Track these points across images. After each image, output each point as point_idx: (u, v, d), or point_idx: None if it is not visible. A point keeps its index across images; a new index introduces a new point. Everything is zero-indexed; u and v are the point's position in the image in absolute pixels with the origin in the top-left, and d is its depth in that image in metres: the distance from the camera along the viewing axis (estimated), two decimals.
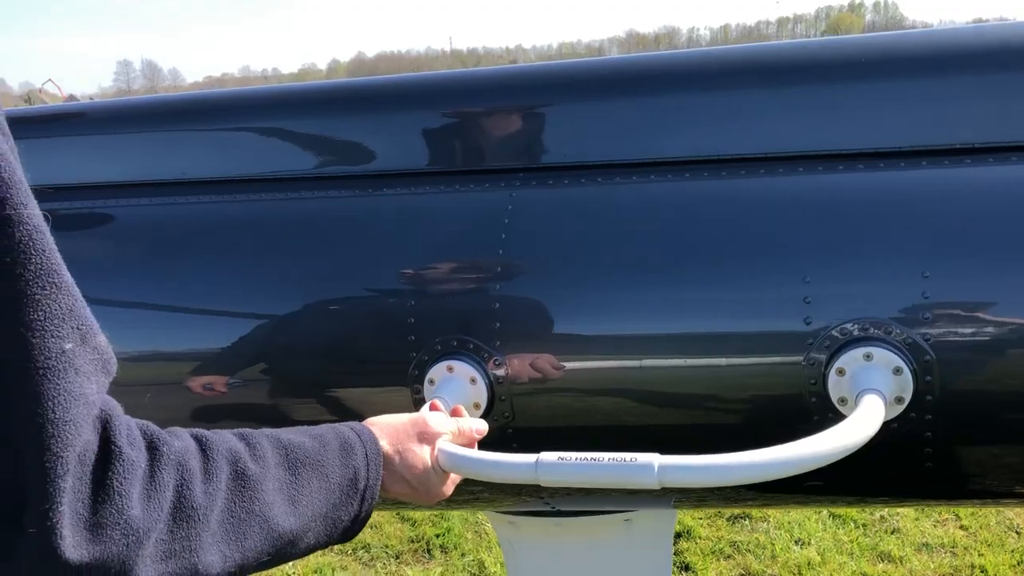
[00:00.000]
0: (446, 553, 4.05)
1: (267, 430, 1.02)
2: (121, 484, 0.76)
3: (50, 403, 0.71)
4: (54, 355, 0.72)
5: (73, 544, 0.72)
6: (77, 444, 0.73)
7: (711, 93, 1.57)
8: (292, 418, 1.63)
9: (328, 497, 1.00)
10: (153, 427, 0.86)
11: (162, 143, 1.87)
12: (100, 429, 0.77)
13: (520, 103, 1.72)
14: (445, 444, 1.23)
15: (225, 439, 0.94)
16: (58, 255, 0.76)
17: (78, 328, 0.76)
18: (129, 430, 0.81)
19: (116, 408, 0.81)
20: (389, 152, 1.75)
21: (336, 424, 1.12)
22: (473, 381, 1.46)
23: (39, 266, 0.73)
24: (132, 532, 0.76)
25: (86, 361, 0.76)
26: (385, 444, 1.14)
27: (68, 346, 0.74)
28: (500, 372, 1.47)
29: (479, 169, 1.69)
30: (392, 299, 1.58)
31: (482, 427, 1.35)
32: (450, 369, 1.47)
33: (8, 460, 0.71)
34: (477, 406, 1.47)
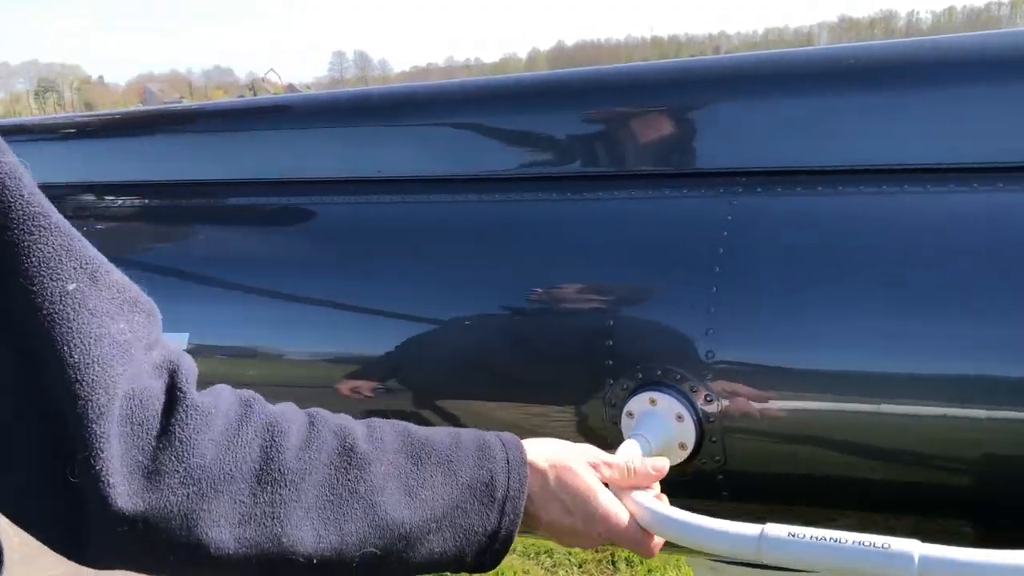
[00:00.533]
0: (631, 567, 3.87)
1: (397, 421, 0.93)
2: (185, 431, 0.73)
3: (65, 348, 0.68)
4: (57, 297, 0.69)
5: (128, 492, 0.69)
6: (111, 386, 0.69)
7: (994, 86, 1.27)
8: None
9: (455, 497, 0.85)
10: (254, 393, 0.83)
11: (359, 139, 1.80)
12: (163, 375, 0.75)
13: (743, 96, 1.49)
14: (646, 499, 1.05)
15: (341, 417, 0.88)
16: (42, 197, 0.72)
17: (82, 267, 0.72)
18: (217, 385, 0.79)
19: (184, 357, 0.80)
20: (591, 152, 1.58)
21: (480, 430, 0.97)
22: (680, 418, 1.27)
23: (20, 211, 0.69)
24: (196, 482, 0.72)
25: (101, 300, 0.73)
26: (536, 455, 0.96)
27: (71, 287, 0.70)
28: (712, 408, 1.27)
29: (694, 172, 1.48)
30: (588, 316, 1.41)
31: (662, 466, 1.09)
32: (653, 402, 1.29)
33: (51, 412, 0.69)
34: (683, 447, 1.28)
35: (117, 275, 0.77)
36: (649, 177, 1.49)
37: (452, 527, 0.84)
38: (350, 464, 0.81)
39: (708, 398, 1.27)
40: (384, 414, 1.58)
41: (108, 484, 0.68)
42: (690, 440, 1.27)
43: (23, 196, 0.70)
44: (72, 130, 2.38)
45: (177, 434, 0.73)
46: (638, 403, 1.30)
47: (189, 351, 1.73)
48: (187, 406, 0.75)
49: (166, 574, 0.76)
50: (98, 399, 0.68)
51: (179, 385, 0.76)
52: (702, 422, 1.27)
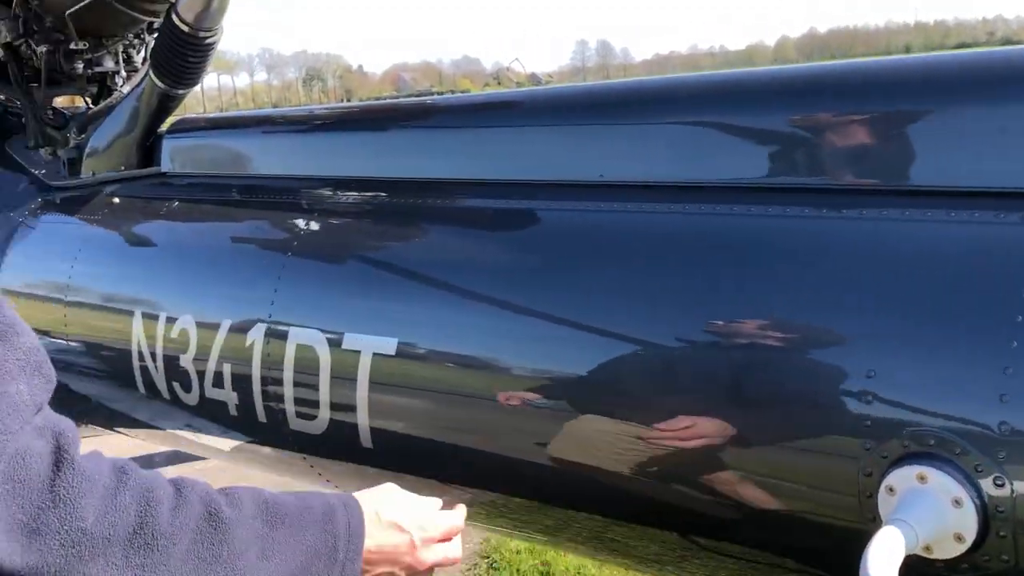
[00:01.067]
0: None
1: (252, 487, 0.97)
2: (70, 493, 0.73)
3: None
4: None
5: (8, 551, 0.68)
6: (1, 444, 0.69)
7: None
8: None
9: (303, 559, 0.93)
10: (128, 460, 0.84)
11: (579, 139, 1.64)
12: (49, 437, 0.75)
13: None
14: None
15: (204, 485, 0.91)
16: None
17: None
18: (93, 451, 0.80)
19: (66, 421, 0.80)
20: (856, 161, 1.32)
21: (326, 492, 1.05)
22: (957, 503, 1.01)
23: None
24: (75, 544, 0.72)
25: (7, 360, 0.73)
26: (374, 520, 1.03)
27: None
28: (1002, 494, 1.01)
29: (1003, 191, 1.18)
30: (842, 360, 1.17)
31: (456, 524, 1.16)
32: (922, 479, 1.04)
33: None
34: (959, 538, 1.02)
35: (28, 339, 0.78)
36: (935, 195, 1.21)
37: None
38: (215, 529, 0.85)
39: (998, 481, 1.00)
40: (586, 434, 1.44)
41: None
42: (970, 532, 1.01)
43: None
44: (312, 123, 2.40)
45: (61, 495, 0.73)
46: (902, 478, 1.05)
47: (396, 354, 1.70)
48: (73, 470, 0.75)
49: None
50: None
51: (64, 447, 0.76)
52: (987, 510, 1.01)
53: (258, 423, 1.97)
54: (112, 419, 2.80)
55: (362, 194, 1.97)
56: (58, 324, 2.74)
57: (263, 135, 2.51)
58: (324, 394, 1.78)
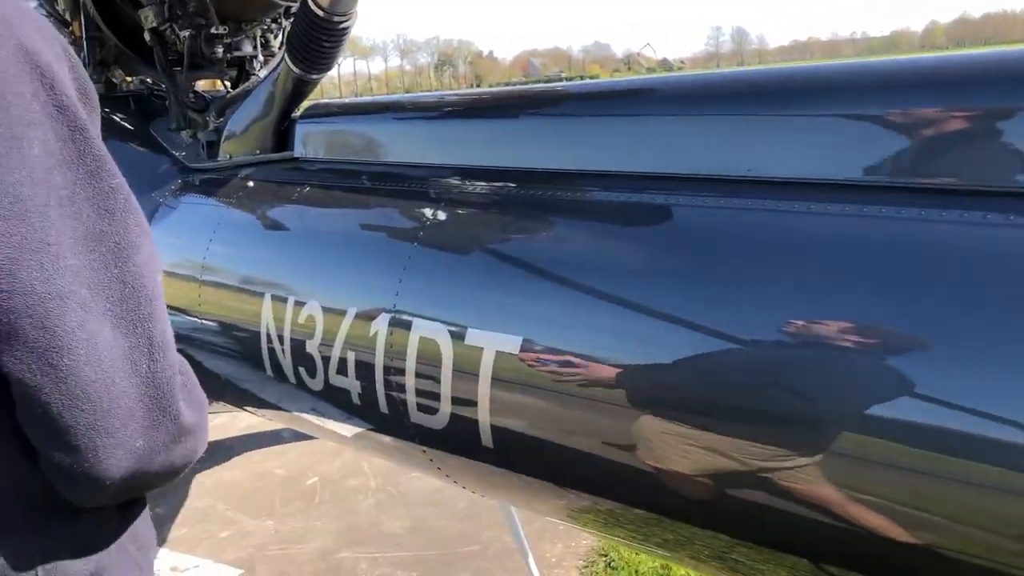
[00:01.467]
0: None
1: None
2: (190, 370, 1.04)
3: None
4: (155, 283, 0.94)
5: (184, 403, 0.95)
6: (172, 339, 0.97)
7: None
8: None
9: None
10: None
11: (725, 131, 1.52)
12: None
13: None
14: None
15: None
16: (142, 215, 0.95)
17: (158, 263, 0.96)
18: None
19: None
20: None
21: None
22: None
23: (137, 223, 0.93)
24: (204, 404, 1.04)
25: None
26: None
27: (158, 276, 0.95)
28: None
29: None
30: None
31: None
32: None
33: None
34: None
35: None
36: None
37: None
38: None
39: None
40: (719, 449, 1.33)
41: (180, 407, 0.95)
42: None
43: (138, 212, 0.97)
44: (443, 110, 2.36)
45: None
46: None
47: (519, 353, 1.62)
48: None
49: None
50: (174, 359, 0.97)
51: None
52: None
53: (379, 413, 1.95)
54: (241, 398, 2.85)
55: (492, 184, 1.91)
56: (193, 302, 2.81)
57: (394, 122, 2.49)
58: (445, 389, 1.74)
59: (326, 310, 2.09)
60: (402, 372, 1.82)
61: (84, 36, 3.86)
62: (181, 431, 0.93)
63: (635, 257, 1.56)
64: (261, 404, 2.70)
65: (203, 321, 2.78)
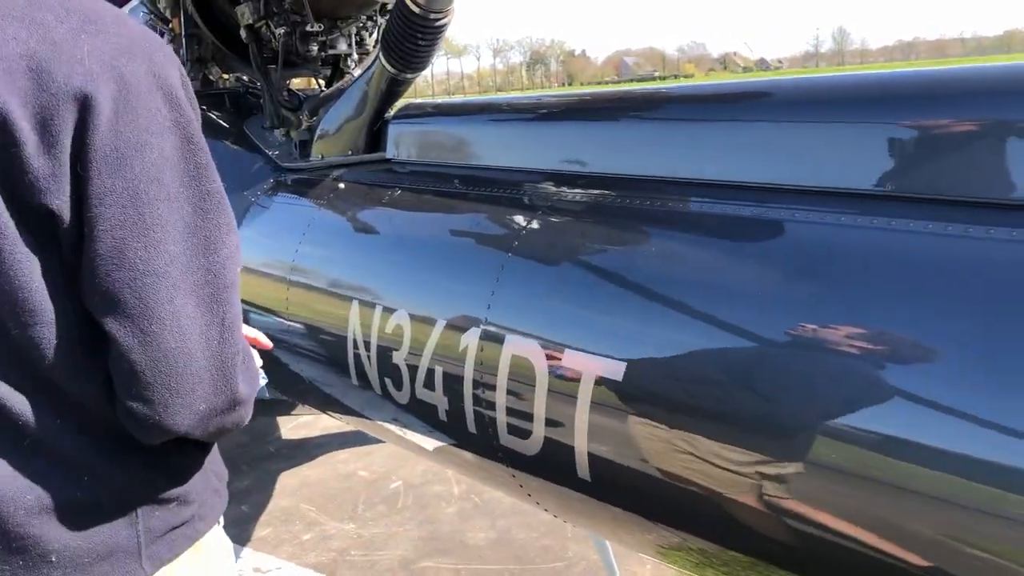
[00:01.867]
0: None
1: None
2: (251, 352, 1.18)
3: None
4: (234, 275, 1.09)
5: (242, 380, 1.09)
6: (241, 325, 1.12)
7: None
8: None
9: None
10: None
11: (859, 141, 1.36)
12: None
13: None
14: None
15: None
16: (231, 212, 1.10)
17: (239, 260, 1.11)
18: None
19: None
20: None
21: None
22: None
23: (226, 222, 1.08)
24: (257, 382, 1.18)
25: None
26: None
27: (237, 269, 1.10)
28: None
29: None
30: None
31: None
32: None
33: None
34: None
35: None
36: None
37: None
38: None
39: None
40: (838, 491, 1.18)
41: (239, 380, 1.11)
42: None
43: (228, 210, 1.10)
44: (540, 113, 2.25)
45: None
46: None
47: (622, 380, 1.49)
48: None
49: None
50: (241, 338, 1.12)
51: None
52: None
53: (467, 431, 1.84)
54: (325, 402, 2.80)
55: (592, 192, 1.78)
56: (280, 303, 2.76)
57: (488, 124, 2.38)
58: (539, 412, 1.62)
59: (414, 320, 2.00)
60: (492, 390, 1.71)
61: (183, 33, 3.89)
62: (236, 401, 1.09)
63: (753, 278, 1.41)
64: (344, 410, 2.63)
65: (290, 322, 2.73)
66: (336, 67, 3.45)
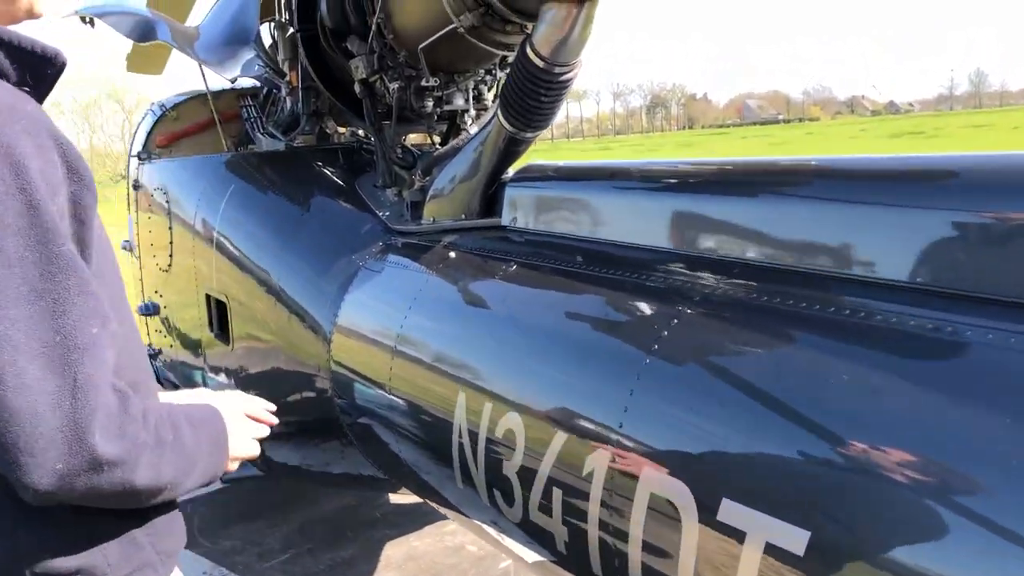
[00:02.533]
0: None
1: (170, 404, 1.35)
2: (130, 414, 1.14)
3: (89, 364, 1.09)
4: (89, 336, 1.09)
5: (102, 440, 1.08)
6: (105, 385, 1.10)
7: None
8: None
9: (212, 437, 1.37)
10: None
11: None
12: (119, 387, 1.14)
13: None
14: None
15: (165, 408, 1.29)
16: (87, 272, 1.11)
17: (100, 320, 1.12)
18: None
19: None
20: None
21: (202, 404, 1.46)
22: None
23: (78, 284, 1.08)
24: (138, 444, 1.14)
25: (106, 338, 1.12)
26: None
27: (95, 330, 1.10)
28: None
29: None
30: None
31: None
32: None
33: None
34: None
35: (113, 326, 1.16)
36: None
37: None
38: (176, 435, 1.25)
39: None
40: None
41: (92, 433, 1.10)
42: None
43: (80, 272, 1.10)
44: (682, 181, 1.94)
45: (131, 415, 1.14)
46: None
47: (804, 555, 1.13)
48: (129, 402, 1.15)
49: None
50: (99, 394, 1.11)
51: (123, 390, 1.15)
52: None
53: (592, 573, 1.52)
54: (424, 490, 2.54)
55: (759, 284, 1.45)
56: (384, 373, 2.53)
57: (621, 191, 2.09)
58: (686, 563, 1.28)
59: (530, 425, 1.70)
60: (624, 535, 1.38)
61: (300, 86, 3.77)
62: (100, 461, 1.08)
63: (955, 413, 1.06)
64: (445, 504, 2.36)
65: (392, 396, 2.49)
66: (452, 123, 3.23)
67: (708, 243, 1.63)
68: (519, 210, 2.41)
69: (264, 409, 1.57)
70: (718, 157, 1.95)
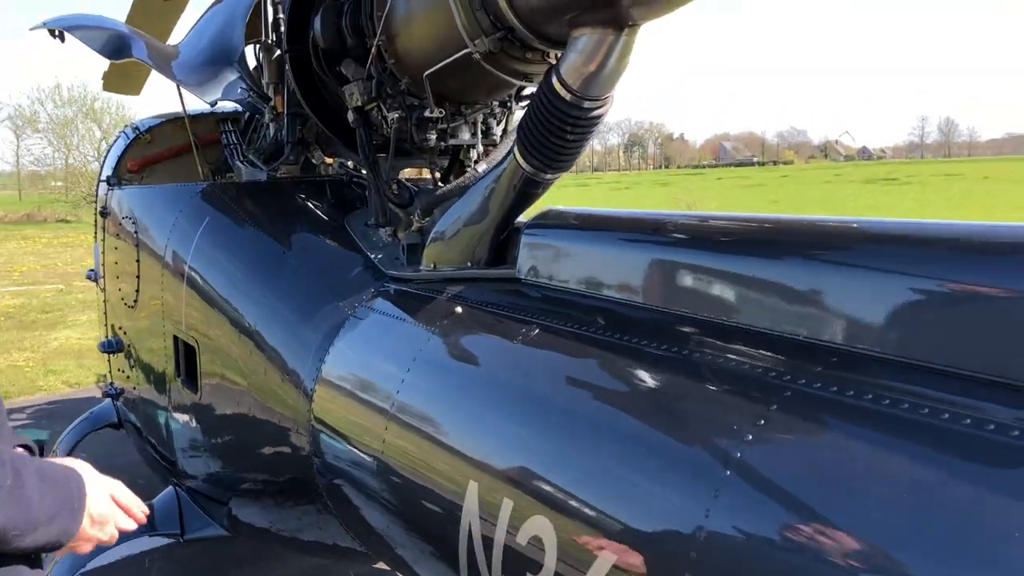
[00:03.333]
0: None
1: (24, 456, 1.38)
2: None
3: None
4: None
5: None
6: None
7: None
8: None
9: (64, 495, 1.37)
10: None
11: None
12: None
13: None
14: None
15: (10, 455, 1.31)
16: None
17: None
18: None
19: None
20: None
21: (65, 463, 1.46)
22: None
23: None
24: None
25: None
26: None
27: None
28: None
29: None
30: None
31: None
32: None
33: None
34: None
35: None
36: None
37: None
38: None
39: None
40: None
41: None
42: None
43: None
44: (730, 235, 1.67)
45: None
46: None
47: None
48: None
49: None
50: None
51: None
52: None
53: None
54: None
55: (813, 366, 1.17)
56: (375, 439, 2.22)
57: (662, 246, 1.80)
58: None
59: (565, 534, 1.39)
60: None
61: (285, 112, 3.47)
62: None
63: None
64: None
65: (385, 466, 2.17)
66: (455, 158, 2.94)
67: (786, 320, 1.35)
68: (537, 262, 2.12)
69: (136, 505, 1.54)
70: (765, 213, 1.69)
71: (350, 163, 3.67)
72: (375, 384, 2.32)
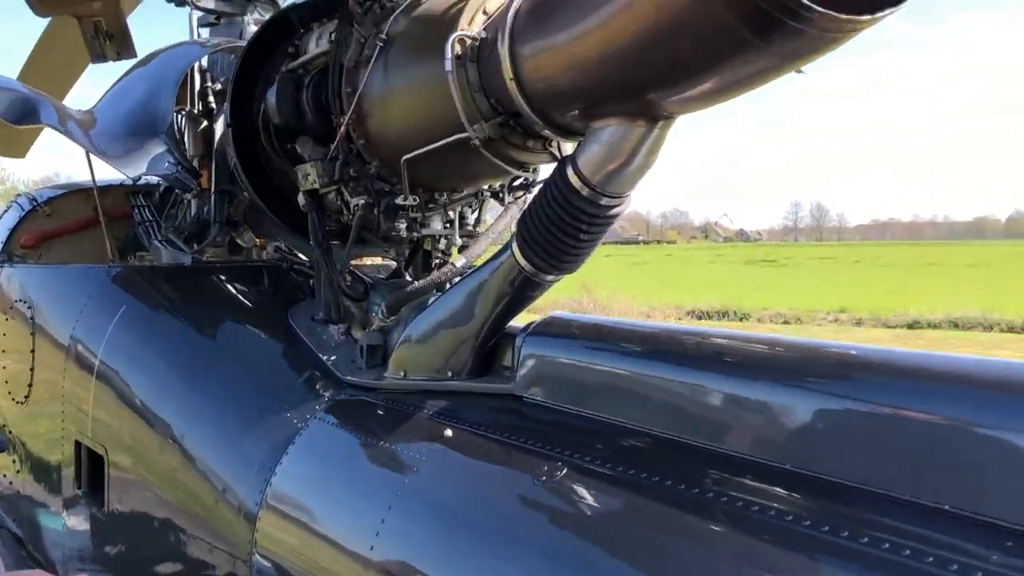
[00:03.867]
0: None
1: None
2: None
3: None
4: None
5: None
6: None
7: None
8: None
9: None
10: None
11: None
12: None
13: None
14: None
15: None
16: None
17: None
18: None
19: None
20: None
21: None
22: None
23: None
24: None
25: None
26: None
27: None
28: None
29: None
30: None
31: None
32: None
33: None
34: None
35: None
36: None
37: None
38: None
39: None
40: None
41: None
42: None
43: None
44: (761, 356, 1.44)
45: None
46: None
47: None
48: None
49: None
50: None
51: None
52: None
53: None
54: None
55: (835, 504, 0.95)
56: None
57: (687, 363, 1.57)
58: None
59: None
60: None
61: (212, 190, 3.12)
62: None
63: None
64: None
65: None
66: (417, 247, 2.65)
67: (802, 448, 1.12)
68: (541, 377, 1.85)
69: None
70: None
71: (283, 246, 3.33)
72: (347, 519, 1.98)
